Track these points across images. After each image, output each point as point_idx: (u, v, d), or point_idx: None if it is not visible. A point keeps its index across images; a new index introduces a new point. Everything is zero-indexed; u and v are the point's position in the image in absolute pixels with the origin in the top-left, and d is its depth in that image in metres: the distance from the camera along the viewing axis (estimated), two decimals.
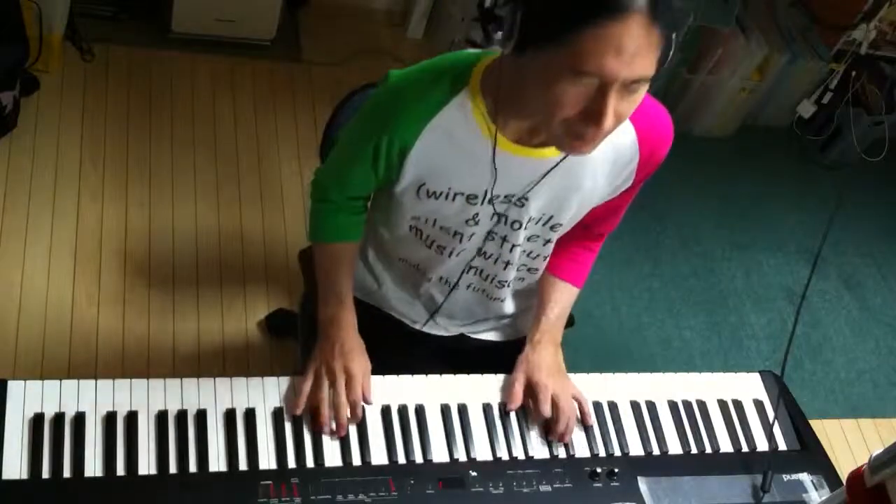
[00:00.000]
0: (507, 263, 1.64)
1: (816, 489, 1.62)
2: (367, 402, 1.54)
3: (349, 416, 1.50)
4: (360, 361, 1.56)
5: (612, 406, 1.64)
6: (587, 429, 1.60)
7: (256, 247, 2.78)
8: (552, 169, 1.46)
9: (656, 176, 1.70)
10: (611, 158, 1.50)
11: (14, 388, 1.41)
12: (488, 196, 1.49)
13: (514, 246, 1.60)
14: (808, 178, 3.70)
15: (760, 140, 3.76)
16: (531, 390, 1.61)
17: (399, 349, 1.79)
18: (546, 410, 1.57)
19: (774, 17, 3.56)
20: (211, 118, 3.07)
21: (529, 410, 1.61)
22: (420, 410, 1.55)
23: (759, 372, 1.79)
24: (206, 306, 2.62)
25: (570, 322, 1.87)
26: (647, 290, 3.11)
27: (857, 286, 3.40)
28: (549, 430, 1.58)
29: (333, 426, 1.48)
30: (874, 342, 3.24)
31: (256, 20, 3.21)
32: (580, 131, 1.26)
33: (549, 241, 1.63)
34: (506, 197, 1.50)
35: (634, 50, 1.17)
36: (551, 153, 1.45)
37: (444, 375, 1.62)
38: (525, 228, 1.56)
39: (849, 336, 3.23)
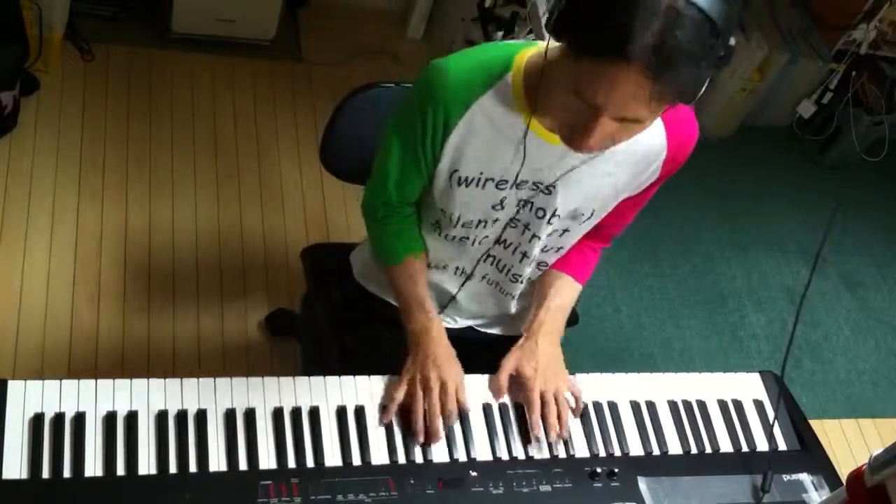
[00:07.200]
0: (524, 255, 1.65)
1: (816, 489, 1.62)
2: (463, 409, 1.55)
3: (444, 423, 1.52)
4: (454, 370, 1.58)
5: (612, 406, 1.64)
6: (587, 429, 1.60)
7: (256, 247, 2.78)
8: (583, 162, 1.49)
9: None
10: (639, 152, 1.53)
11: (14, 388, 1.41)
12: (518, 179, 1.52)
13: (534, 236, 1.61)
14: (808, 178, 3.71)
15: (760, 140, 3.76)
16: (520, 384, 1.60)
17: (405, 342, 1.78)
18: (531, 403, 1.56)
19: (774, 17, 3.56)
20: (211, 118, 3.07)
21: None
22: None
23: (759, 372, 1.79)
24: (206, 306, 2.61)
25: (575, 320, 1.86)
26: (647, 290, 3.11)
27: (857, 286, 3.40)
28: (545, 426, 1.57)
29: (422, 438, 1.50)
30: (874, 342, 3.24)
31: (256, 20, 3.21)
32: (574, 136, 1.35)
33: (566, 231, 1.64)
34: (534, 184, 1.53)
35: (628, 94, 1.22)
36: None
37: None
38: (549, 222, 1.58)
39: (849, 336, 3.23)
